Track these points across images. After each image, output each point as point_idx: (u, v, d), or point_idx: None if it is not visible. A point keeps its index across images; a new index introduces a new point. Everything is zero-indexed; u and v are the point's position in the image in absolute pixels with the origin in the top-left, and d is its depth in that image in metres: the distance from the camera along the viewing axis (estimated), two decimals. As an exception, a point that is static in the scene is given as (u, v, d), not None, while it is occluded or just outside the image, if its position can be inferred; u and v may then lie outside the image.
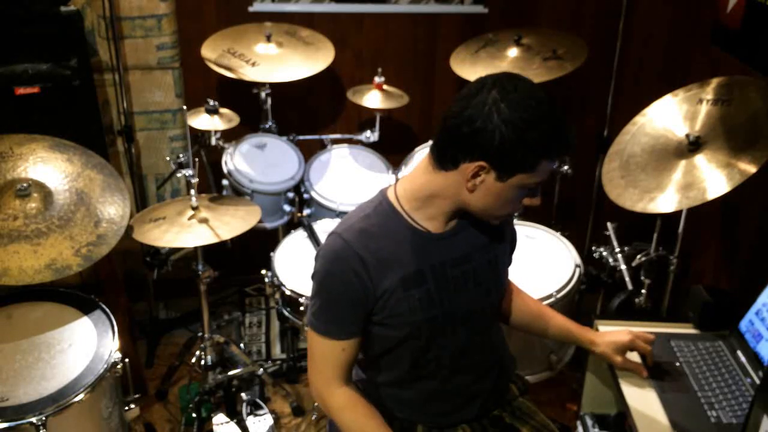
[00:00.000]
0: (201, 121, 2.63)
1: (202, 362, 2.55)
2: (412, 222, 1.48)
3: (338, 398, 1.52)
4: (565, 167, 2.91)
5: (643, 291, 2.42)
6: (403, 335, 1.51)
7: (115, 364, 1.99)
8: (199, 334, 2.55)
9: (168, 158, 2.70)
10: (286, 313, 2.45)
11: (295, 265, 2.49)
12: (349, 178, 2.86)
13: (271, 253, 2.55)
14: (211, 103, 2.63)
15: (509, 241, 1.67)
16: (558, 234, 2.61)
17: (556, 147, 1.36)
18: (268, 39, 2.80)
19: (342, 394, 1.52)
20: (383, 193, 1.51)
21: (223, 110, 2.68)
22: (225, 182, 2.76)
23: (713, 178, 1.94)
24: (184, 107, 2.58)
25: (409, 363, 1.56)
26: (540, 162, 1.35)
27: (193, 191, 2.27)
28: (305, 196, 2.82)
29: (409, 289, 1.47)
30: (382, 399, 1.62)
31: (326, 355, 1.51)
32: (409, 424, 1.63)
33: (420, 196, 1.46)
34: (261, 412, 2.49)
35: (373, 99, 2.86)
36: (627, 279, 2.45)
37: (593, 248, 2.62)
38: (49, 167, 2.15)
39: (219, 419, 2.42)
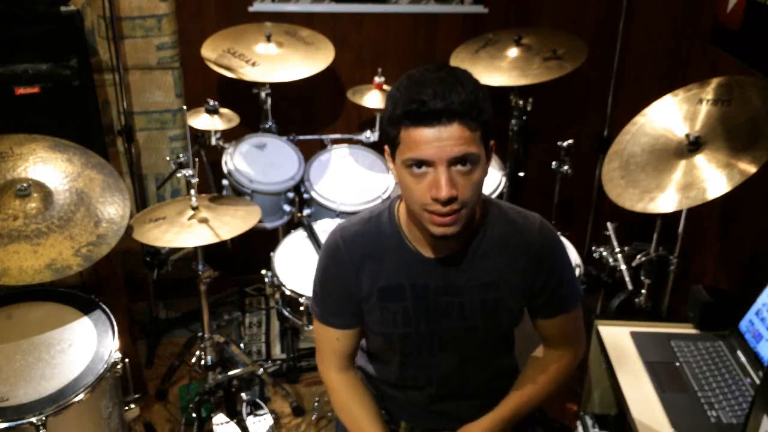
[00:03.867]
0: (201, 121, 2.62)
1: (202, 362, 2.55)
2: (406, 240, 1.47)
3: (332, 381, 1.62)
4: (565, 167, 2.91)
5: (643, 291, 2.42)
6: (381, 343, 1.56)
7: (115, 364, 1.99)
8: (199, 334, 2.55)
9: (168, 158, 2.69)
10: (286, 313, 2.45)
11: (295, 265, 2.49)
12: (349, 178, 2.86)
13: (271, 253, 2.55)
14: (211, 103, 2.63)
15: (533, 292, 1.52)
16: (558, 234, 2.61)
17: (403, 111, 1.26)
18: (268, 39, 2.79)
19: (336, 379, 1.61)
20: (391, 203, 1.51)
21: (223, 110, 2.68)
22: (225, 182, 2.76)
23: (713, 178, 1.94)
24: (184, 107, 2.57)
25: (397, 370, 1.59)
26: (398, 132, 1.29)
27: (193, 191, 2.27)
28: (305, 196, 2.82)
29: (385, 301, 1.49)
30: (377, 388, 1.67)
31: (322, 340, 1.61)
32: (395, 417, 1.67)
33: (407, 210, 1.44)
34: (261, 412, 2.48)
35: (373, 99, 2.86)
36: (627, 279, 2.45)
37: (593, 248, 2.62)
38: (49, 167, 2.15)
39: (219, 419, 2.42)
